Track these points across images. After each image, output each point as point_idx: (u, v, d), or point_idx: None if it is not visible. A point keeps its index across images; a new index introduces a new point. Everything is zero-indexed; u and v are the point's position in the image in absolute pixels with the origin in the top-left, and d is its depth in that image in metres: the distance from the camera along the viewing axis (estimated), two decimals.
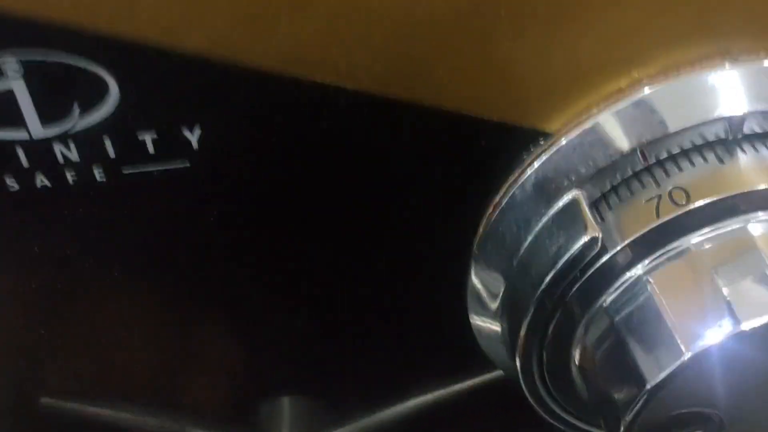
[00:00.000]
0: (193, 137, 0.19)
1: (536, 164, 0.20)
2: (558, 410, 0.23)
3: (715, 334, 0.17)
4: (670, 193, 0.19)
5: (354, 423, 0.30)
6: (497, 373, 0.28)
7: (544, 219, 0.20)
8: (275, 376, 0.29)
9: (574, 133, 0.19)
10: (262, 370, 0.29)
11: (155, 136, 0.18)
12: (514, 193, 0.20)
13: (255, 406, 0.30)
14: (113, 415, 0.28)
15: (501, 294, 0.21)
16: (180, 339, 0.25)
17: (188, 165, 0.19)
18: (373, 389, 0.29)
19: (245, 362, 0.28)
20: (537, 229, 0.20)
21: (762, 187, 0.18)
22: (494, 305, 0.22)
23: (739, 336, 0.17)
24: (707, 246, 0.18)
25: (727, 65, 0.19)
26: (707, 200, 0.18)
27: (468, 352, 0.25)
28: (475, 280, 0.22)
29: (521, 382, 0.22)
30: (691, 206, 0.18)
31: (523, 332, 0.21)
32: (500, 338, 0.23)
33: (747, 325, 0.17)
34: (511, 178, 0.20)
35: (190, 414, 0.29)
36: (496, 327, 0.23)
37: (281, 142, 0.19)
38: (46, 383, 0.27)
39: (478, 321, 0.23)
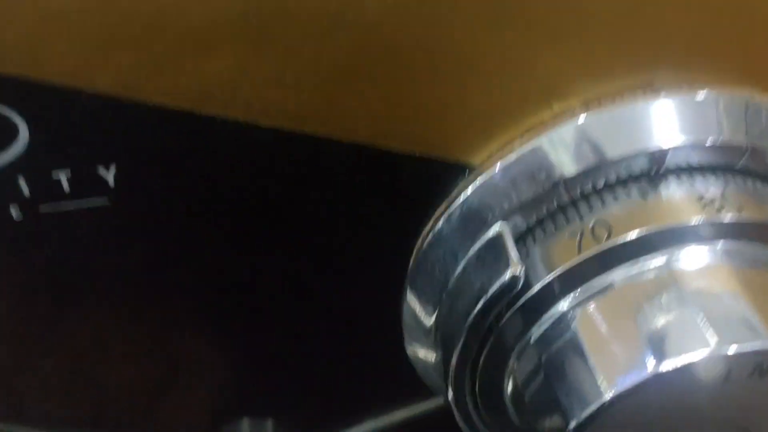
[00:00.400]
0: (109, 175, 0.18)
1: (461, 198, 0.20)
2: None
3: (636, 373, 0.17)
4: (592, 229, 0.18)
5: None
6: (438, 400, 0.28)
7: (470, 253, 0.20)
8: (232, 399, 0.29)
9: (497, 167, 0.19)
10: (220, 392, 0.28)
11: (70, 175, 0.18)
12: (440, 226, 0.20)
13: (215, 428, 0.30)
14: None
15: (432, 324, 0.21)
16: (136, 365, 0.25)
17: (107, 203, 0.19)
18: (319, 415, 0.29)
19: (200, 387, 0.28)
20: (463, 263, 0.20)
21: (683, 222, 0.18)
22: (427, 335, 0.22)
23: (660, 376, 0.17)
24: (630, 282, 0.18)
25: (651, 97, 0.19)
26: (628, 236, 0.18)
27: (411, 379, 0.25)
28: (407, 310, 0.22)
29: (454, 411, 0.22)
30: (613, 242, 0.18)
31: (453, 362, 0.20)
32: (434, 367, 0.23)
33: (668, 365, 0.17)
34: (439, 212, 0.20)
35: None
36: (430, 356, 0.23)
37: (199, 179, 0.19)
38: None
39: (412, 350, 0.23)
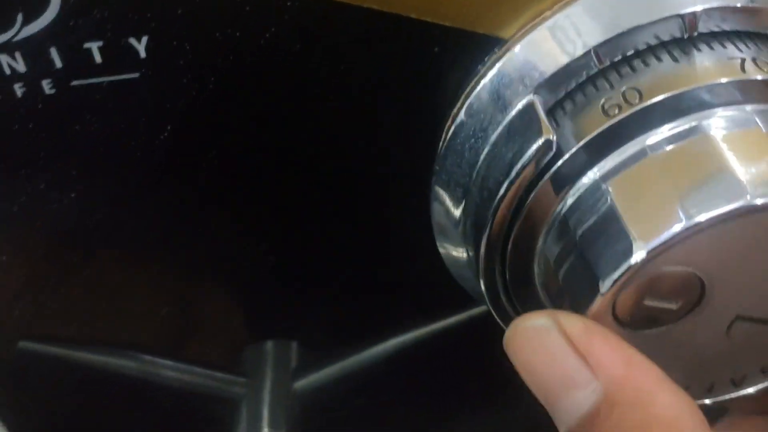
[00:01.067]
0: (140, 46, 0.18)
1: (491, 72, 0.20)
2: None
3: (671, 227, 0.17)
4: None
5: (336, 364, 0.30)
6: (476, 309, 0.28)
7: (501, 126, 0.19)
8: (257, 321, 0.29)
9: (528, 39, 0.19)
10: (244, 315, 0.28)
11: (101, 45, 0.18)
12: (470, 102, 0.20)
13: (238, 351, 0.30)
14: (91, 358, 0.28)
15: (462, 210, 0.21)
16: (161, 281, 0.25)
17: (137, 76, 0.19)
18: (354, 330, 0.29)
19: (227, 307, 0.28)
20: (494, 136, 0.20)
21: (717, 81, 0.18)
22: (457, 226, 0.22)
23: (695, 228, 0.17)
24: (663, 145, 0.18)
25: None
26: (659, 98, 0.18)
27: (446, 286, 0.25)
28: (437, 199, 0.22)
29: (487, 302, 0.22)
30: (644, 104, 0.18)
31: (483, 250, 0.20)
32: (467, 263, 0.23)
33: (702, 216, 0.17)
34: (469, 88, 0.20)
35: (171, 359, 0.29)
36: (461, 252, 0.23)
37: (231, 49, 0.19)
38: (26, 325, 0.27)
39: (444, 247, 0.23)
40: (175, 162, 0.21)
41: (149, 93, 0.19)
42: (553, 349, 0.17)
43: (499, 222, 0.20)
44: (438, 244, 0.23)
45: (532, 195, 0.19)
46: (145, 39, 0.18)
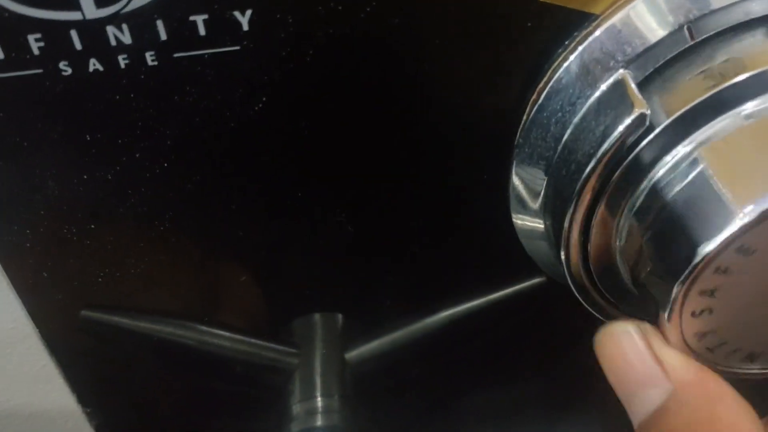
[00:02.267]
0: (244, 19, 0.19)
1: (582, 46, 0.20)
2: (603, 302, 0.23)
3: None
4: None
5: (387, 335, 0.30)
6: (528, 282, 0.29)
7: (590, 100, 0.20)
8: (307, 292, 0.29)
9: (619, 14, 0.20)
10: (294, 286, 0.29)
11: (206, 18, 0.19)
12: (559, 76, 0.20)
13: (288, 323, 0.30)
14: (150, 328, 0.29)
15: (545, 184, 0.22)
16: (217, 253, 0.26)
17: (238, 48, 0.19)
18: (410, 300, 0.29)
19: (277, 279, 0.28)
20: (583, 111, 0.20)
21: None
22: (537, 200, 0.22)
23: None
24: (756, 118, 0.19)
25: None
26: (754, 72, 0.18)
27: (510, 257, 0.25)
28: (517, 172, 0.22)
29: (566, 274, 0.22)
30: (738, 78, 0.18)
31: (567, 220, 0.21)
32: (543, 235, 0.23)
33: None
34: (557, 62, 0.20)
35: (228, 331, 0.30)
36: (538, 224, 0.23)
37: (332, 21, 0.19)
38: (87, 295, 0.27)
39: (519, 219, 0.24)
40: (266, 132, 0.21)
41: (249, 65, 0.19)
42: (636, 352, 0.20)
43: (586, 195, 0.20)
44: (513, 215, 0.24)
45: (621, 167, 0.20)
46: (249, 12, 0.19)
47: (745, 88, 0.18)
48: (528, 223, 0.23)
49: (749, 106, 0.18)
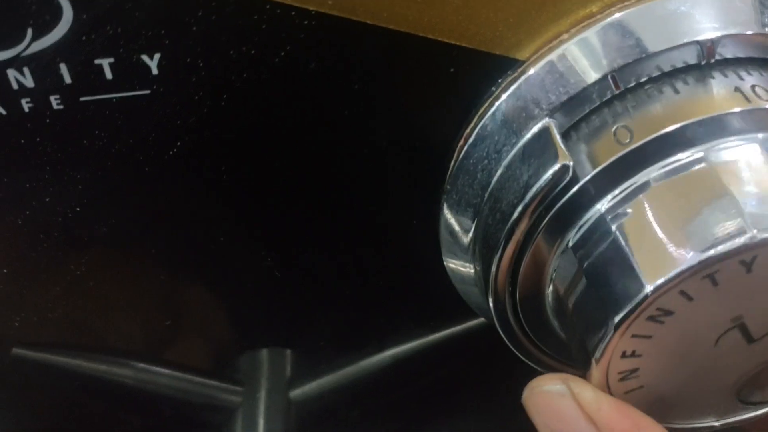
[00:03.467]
0: (153, 63, 0.18)
1: (507, 93, 0.19)
2: (533, 350, 0.23)
3: (677, 264, 0.17)
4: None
5: (333, 373, 0.30)
6: (475, 321, 0.28)
7: (515, 148, 0.19)
8: (253, 329, 0.29)
9: (544, 60, 0.19)
10: (241, 323, 0.28)
11: (112, 61, 0.18)
12: (484, 123, 0.20)
13: (234, 359, 0.29)
14: (86, 366, 0.28)
15: (472, 230, 0.21)
16: (158, 289, 0.25)
17: (148, 92, 0.18)
18: (352, 339, 0.29)
19: (223, 315, 0.28)
20: (508, 159, 0.20)
21: (730, 111, 0.18)
22: (466, 244, 0.22)
23: (702, 264, 0.17)
24: (670, 177, 0.18)
25: None
26: (672, 127, 0.18)
27: (447, 298, 0.25)
28: (446, 217, 0.22)
29: (495, 322, 0.22)
30: (656, 134, 0.18)
31: (494, 269, 0.20)
32: (474, 280, 0.23)
33: (708, 253, 0.17)
34: (483, 108, 0.20)
35: (167, 367, 0.29)
36: (469, 268, 0.22)
37: (245, 66, 0.18)
38: (20, 332, 0.26)
39: (451, 263, 0.23)
40: (183, 176, 0.20)
41: (160, 109, 0.19)
42: (566, 413, 0.19)
43: (512, 244, 0.20)
44: (444, 259, 0.23)
45: (547, 218, 0.19)
46: (157, 56, 0.18)
47: (662, 145, 0.18)
48: (459, 267, 0.23)
49: (666, 164, 0.18)
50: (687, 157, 0.18)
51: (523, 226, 0.19)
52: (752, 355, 0.19)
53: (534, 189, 0.19)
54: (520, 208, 0.19)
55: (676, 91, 0.18)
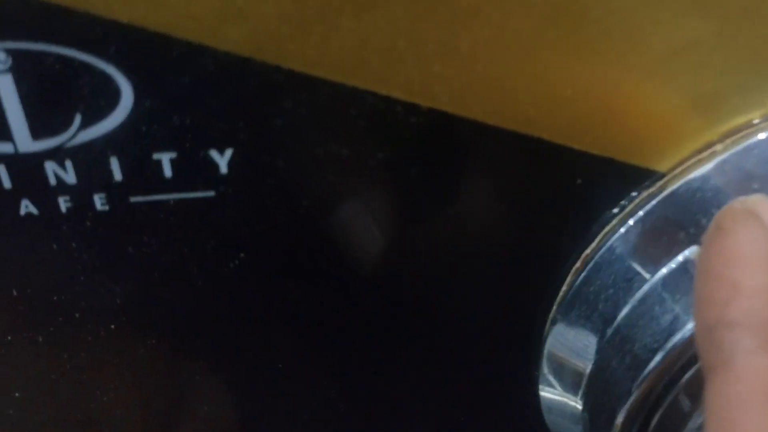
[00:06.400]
0: (222, 160, 0.15)
1: (643, 211, 0.16)
2: None
3: None
4: None
5: None
6: None
7: (653, 279, 0.16)
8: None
9: (692, 174, 0.16)
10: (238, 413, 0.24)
11: (174, 157, 0.15)
12: (612, 245, 0.16)
13: None
14: None
15: (588, 370, 0.17)
16: (151, 374, 0.21)
17: (212, 194, 0.15)
18: None
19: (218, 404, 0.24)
20: (642, 291, 0.16)
21: None
22: (576, 381, 0.18)
23: None
24: None
25: None
26: None
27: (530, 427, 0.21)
28: (553, 347, 0.18)
29: None
30: None
31: (620, 420, 0.17)
32: (577, 418, 0.19)
33: None
34: (609, 227, 0.16)
35: None
36: (573, 404, 0.19)
37: (333, 167, 0.15)
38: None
39: (549, 395, 0.19)
40: (245, 296, 0.17)
41: (225, 214, 0.15)
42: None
43: (644, 392, 0.16)
44: (541, 388, 0.20)
45: (689, 372, 0.15)
46: (229, 152, 0.15)
47: None
48: (559, 398, 0.19)
49: None
50: None
51: (662, 375, 0.16)
52: None
53: (679, 335, 0.15)
54: (659, 357, 0.15)
55: None
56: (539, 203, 0.16)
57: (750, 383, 0.12)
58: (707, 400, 0.12)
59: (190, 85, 0.14)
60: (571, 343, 0.18)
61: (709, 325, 0.12)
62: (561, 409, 0.19)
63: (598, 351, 0.17)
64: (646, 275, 0.16)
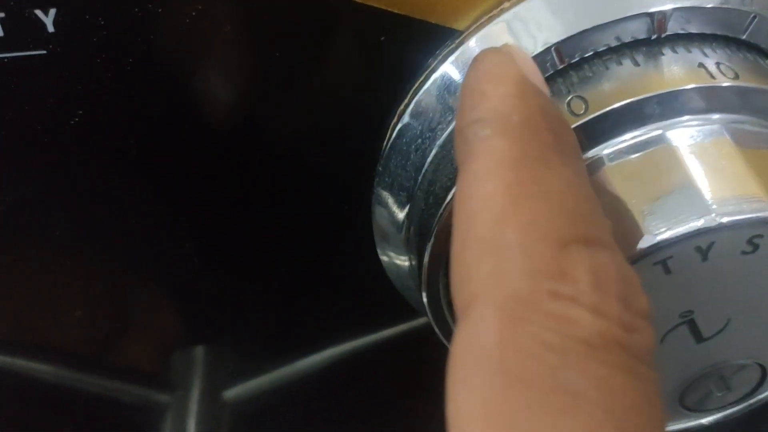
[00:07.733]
0: (48, 19, 0.16)
1: (443, 66, 0.18)
2: None
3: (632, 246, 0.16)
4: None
5: (268, 374, 0.28)
6: (417, 320, 0.27)
7: (451, 127, 0.18)
8: (185, 326, 0.27)
9: (484, 32, 0.17)
10: (172, 319, 0.26)
11: (3, 16, 0.16)
12: (419, 99, 0.18)
13: (166, 357, 0.28)
14: (23, 365, 0.26)
15: (405, 218, 0.19)
16: (83, 280, 0.23)
17: (44, 53, 0.17)
18: (285, 338, 0.27)
19: (152, 311, 0.26)
20: (443, 137, 0.18)
21: (678, 88, 0.16)
22: (400, 234, 0.20)
23: (657, 247, 0.16)
24: (622, 155, 0.17)
25: None
26: (619, 104, 0.16)
27: (384, 295, 0.23)
28: (378, 204, 0.20)
29: (430, 318, 0.20)
30: (602, 111, 0.16)
31: (426, 259, 0.19)
32: (409, 274, 0.21)
33: (664, 236, 0.15)
34: (417, 83, 0.18)
35: (100, 368, 0.27)
36: (404, 261, 0.21)
37: (151, 26, 0.17)
38: None
39: (386, 256, 0.21)
40: (89, 150, 0.18)
41: (58, 72, 0.17)
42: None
43: (444, 230, 0.18)
44: (379, 250, 0.22)
45: None
46: (53, 12, 0.16)
47: (609, 122, 0.16)
48: (395, 260, 0.21)
49: (615, 143, 0.17)
50: (644, 135, 0.17)
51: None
52: (700, 356, 0.17)
53: None
54: (453, 191, 0.17)
55: (636, 64, 0.17)
56: (351, 63, 0.18)
57: (485, 161, 0.13)
58: (455, 193, 0.14)
59: None
60: (392, 196, 0.20)
61: (461, 128, 0.14)
62: (397, 269, 0.21)
63: (411, 197, 0.19)
64: (447, 123, 0.18)
